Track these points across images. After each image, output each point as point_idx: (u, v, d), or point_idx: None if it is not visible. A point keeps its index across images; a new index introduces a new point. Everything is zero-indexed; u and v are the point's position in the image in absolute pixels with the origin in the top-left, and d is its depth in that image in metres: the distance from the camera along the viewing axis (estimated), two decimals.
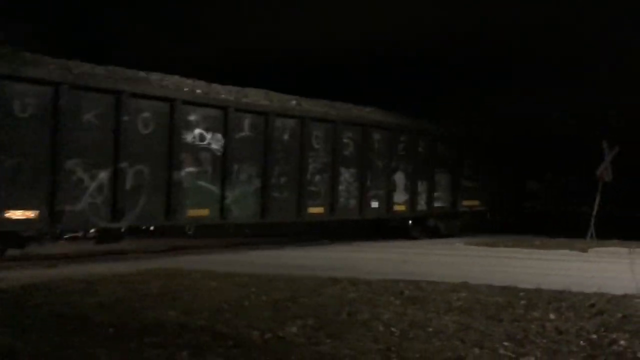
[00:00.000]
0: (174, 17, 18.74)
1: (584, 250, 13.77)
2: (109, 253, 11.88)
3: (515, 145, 19.80)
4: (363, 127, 14.76)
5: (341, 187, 14.20)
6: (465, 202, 18.00)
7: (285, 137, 13.14)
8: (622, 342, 5.37)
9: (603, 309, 6.59)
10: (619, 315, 6.30)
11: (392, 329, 5.74)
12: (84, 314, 6.17)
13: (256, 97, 13.24)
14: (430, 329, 5.72)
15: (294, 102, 13.96)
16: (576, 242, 15.45)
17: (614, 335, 5.55)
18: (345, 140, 14.39)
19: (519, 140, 19.87)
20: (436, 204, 16.96)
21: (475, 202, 18.47)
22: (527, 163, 20.59)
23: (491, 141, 19.24)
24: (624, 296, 7.36)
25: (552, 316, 6.28)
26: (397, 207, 15.73)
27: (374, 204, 15.05)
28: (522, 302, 6.95)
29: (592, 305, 6.75)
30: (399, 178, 15.79)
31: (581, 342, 5.41)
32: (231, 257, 11.87)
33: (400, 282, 8.14)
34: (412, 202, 16.10)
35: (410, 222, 16.70)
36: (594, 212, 17.24)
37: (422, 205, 16.47)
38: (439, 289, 7.70)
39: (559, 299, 7.12)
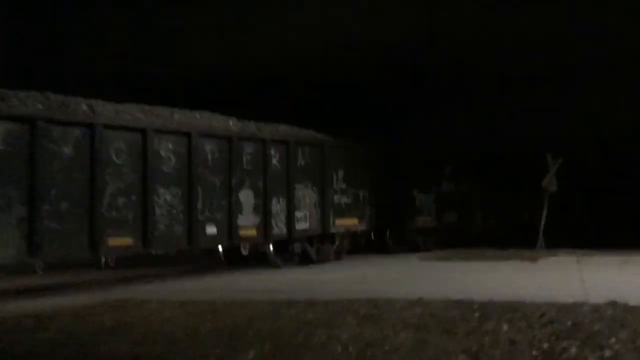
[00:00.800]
0: None
1: (534, 260, 14.09)
2: (61, 286, 11.63)
3: (413, 156, 18.49)
4: (189, 136, 11.94)
5: (158, 211, 11.38)
6: (340, 222, 15.68)
7: (67, 150, 10.19)
8: (572, 350, 5.49)
9: (553, 317, 6.74)
10: (569, 323, 6.45)
11: (350, 349, 5.74)
12: (33, 352, 6.00)
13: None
14: (387, 347, 5.75)
15: (84, 106, 10.78)
16: (526, 252, 15.79)
17: (565, 344, 5.67)
18: (162, 153, 11.57)
19: (431, 152, 18.79)
20: (299, 226, 14.36)
21: (354, 221, 16.25)
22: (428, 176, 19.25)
23: (378, 151, 17.53)
24: (574, 304, 7.53)
25: (505, 327, 6.39)
26: (244, 232, 12.99)
27: (211, 230, 12.29)
28: (476, 314, 7.05)
29: (543, 315, 6.89)
30: (246, 196, 13.10)
31: (534, 351, 5.52)
32: (186, 284, 11.72)
33: (357, 301, 8.17)
34: (265, 224, 13.38)
35: (270, 248, 14.04)
36: (542, 223, 17.70)
37: (279, 228, 13.78)
38: (395, 306, 7.76)
39: (511, 309, 7.25)
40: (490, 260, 14.63)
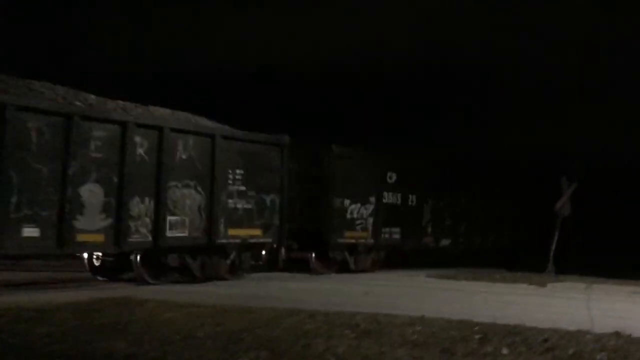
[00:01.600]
0: None
1: (542, 285, 13.93)
2: (65, 281, 11.67)
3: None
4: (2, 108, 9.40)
5: None
6: (235, 231, 12.93)
7: None
8: None
9: (555, 344, 6.64)
10: (571, 351, 6.35)
11: None
12: (31, 345, 6.01)
13: None
14: None
15: None
16: (535, 276, 15.64)
17: None
18: None
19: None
20: (172, 233, 11.68)
21: (255, 232, 13.40)
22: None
23: (298, 149, 15.03)
24: (577, 332, 7.42)
25: (504, 351, 6.30)
26: (83, 237, 10.32)
27: (30, 232, 9.66)
28: (477, 336, 6.96)
29: (545, 340, 6.79)
30: (91, 192, 10.45)
31: None
32: (190, 287, 11.72)
33: (357, 314, 8.11)
34: (118, 229, 10.75)
35: (137, 259, 11.48)
36: (553, 247, 17.52)
37: (142, 234, 11.16)
38: (395, 322, 7.69)
39: (513, 333, 7.16)
40: (498, 282, 14.50)
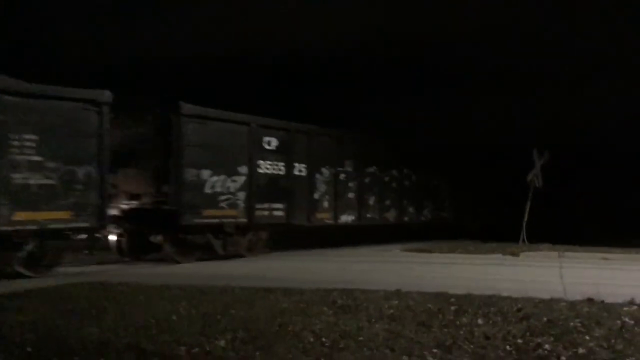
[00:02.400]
0: None
1: (516, 255, 14.11)
2: None
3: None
4: None
5: None
6: (26, 215, 10.16)
7: None
8: (546, 346, 5.47)
9: (530, 313, 6.72)
10: (545, 319, 6.43)
11: (323, 339, 5.68)
12: (3, 333, 5.88)
13: None
14: (361, 338, 5.69)
15: None
16: (508, 246, 15.84)
17: (539, 340, 5.64)
18: None
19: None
20: None
21: (61, 214, 10.65)
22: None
23: (127, 109, 12.39)
24: (551, 300, 7.52)
25: (480, 321, 6.35)
26: None
27: None
28: (453, 308, 7.01)
29: (519, 310, 6.87)
30: None
31: (507, 346, 5.49)
32: (163, 270, 11.62)
33: (334, 291, 8.11)
34: None
35: None
36: (525, 217, 17.74)
37: None
38: (372, 297, 7.71)
39: (488, 304, 7.23)
40: (472, 253, 14.65)
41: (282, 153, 15.01)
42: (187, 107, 12.91)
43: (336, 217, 16.56)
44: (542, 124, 19.90)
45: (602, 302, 7.37)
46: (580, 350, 5.35)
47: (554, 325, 6.20)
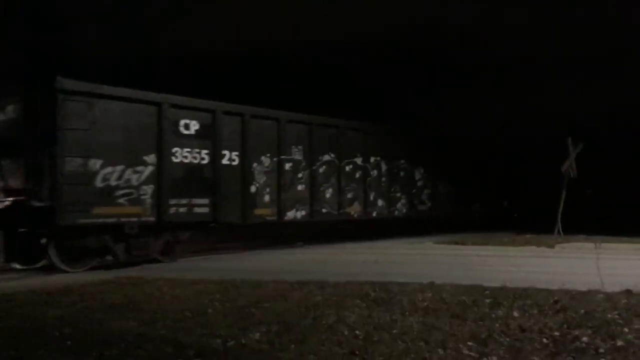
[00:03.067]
0: None
1: (551, 247, 13.92)
2: None
3: None
4: None
5: None
6: None
7: None
8: (584, 339, 5.39)
9: (566, 305, 6.63)
10: (582, 311, 6.33)
11: (357, 332, 5.69)
12: (43, 327, 6.03)
13: None
14: (395, 331, 5.69)
15: None
16: (544, 238, 15.63)
17: (577, 332, 5.57)
18: None
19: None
20: None
21: None
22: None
23: None
24: (588, 292, 7.41)
25: (516, 314, 6.29)
26: None
27: None
28: (487, 300, 6.96)
29: (556, 302, 6.78)
30: None
31: (544, 339, 5.42)
32: (197, 264, 11.74)
33: (367, 283, 8.11)
34: None
35: None
36: (560, 208, 17.47)
37: None
38: (405, 289, 7.69)
39: (523, 296, 7.15)
40: (506, 245, 14.49)
41: (206, 139, 12.63)
42: (66, 82, 10.61)
43: (281, 213, 14.16)
44: (574, 110, 19.50)
45: None
46: (619, 343, 5.26)
47: (591, 317, 6.11)
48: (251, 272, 9.70)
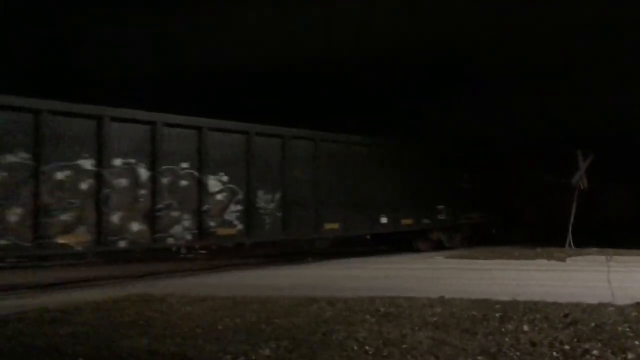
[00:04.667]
0: None
1: (562, 260, 13.86)
2: (83, 280, 11.77)
3: None
4: None
5: None
6: None
7: None
8: (594, 352, 5.38)
9: (577, 318, 6.61)
10: (593, 324, 6.32)
11: (367, 347, 5.70)
12: (56, 345, 6.07)
13: None
14: (405, 346, 5.70)
15: None
16: (555, 250, 15.56)
17: (587, 345, 5.56)
18: None
19: None
20: None
21: None
22: None
23: None
24: (599, 305, 7.39)
25: (526, 328, 6.28)
26: None
27: None
28: (497, 314, 6.95)
29: (566, 316, 6.77)
30: None
31: (554, 353, 5.42)
32: (206, 280, 11.78)
33: (377, 299, 8.12)
34: None
35: None
36: (571, 220, 17.40)
37: None
38: (415, 304, 7.69)
39: (533, 310, 7.14)
40: (517, 259, 14.44)
41: None
42: None
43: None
44: (585, 120, 19.37)
45: None
46: (630, 356, 5.25)
47: (602, 330, 6.09)
48: (261, 288, 9.73)
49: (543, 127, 20.32)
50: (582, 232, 17.48)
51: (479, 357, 5.34)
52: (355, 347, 5.69)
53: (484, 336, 6.02)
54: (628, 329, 6.07)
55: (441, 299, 8.03)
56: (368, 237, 17.87)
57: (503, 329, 6.27)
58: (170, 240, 12.01)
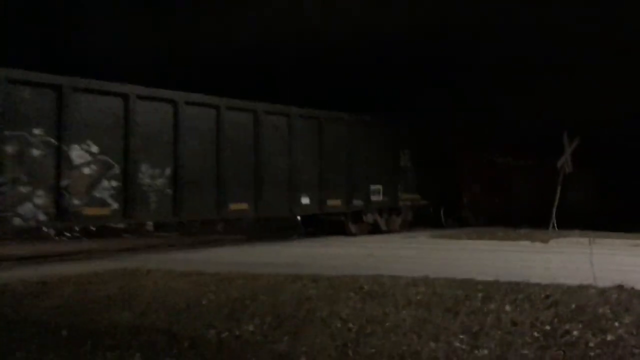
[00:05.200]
0: None
1: (545, 241, 13.99)
2: (68, 254, 11.70)
3: None
4: None
5: None
6: None
7: None
8: (574, 333, 5.44)
9: (558, 299, 6.68)
10: (573, 305, 6.38)
11: (350, 325, 5.73)
12: (36, 318, 6.05)
13: None
14: (388, 324, 5.73)
15: None
16: (538, 233, 15.71)
17: (567, 326, 5.62)
18: None
19: None
20: None
21: None
22: None
23: None
24: (580, 287, 7.46)
25: (507, 308, 6.33)
26: None
27: None
28: (480, 294, 7.00)
29: (548, 297, 6.83)
30: None
31: (535, 333, 5.47)
32: (192, 256, 11.77)
33: (361, 277, 8.15)
34: None
35: None
36: (555, 203, 17.54)
37: None
38: (399, 283, 7.73)
39: (516, 290, 7.20)
40: (501, 239, 14.56)
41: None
42: None
43: None
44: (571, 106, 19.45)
45: (632, 288, 7.28)
46: (609, 337, 5.31)
47: (582, 312, 6.15)
48: (246, 265, 9.74)
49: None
50: (547, 216, 17.36)
51: (461, 336, 5.38)
52: (339, 324, 5.71)
53: (466, 315, 6.07)
54: (608, 311, 6.14)
55: (424, 279, 8.07)
56: (298, 218, 16.66)
57: (485, 309, 6.31)
58: (17, 221, 10.15)
